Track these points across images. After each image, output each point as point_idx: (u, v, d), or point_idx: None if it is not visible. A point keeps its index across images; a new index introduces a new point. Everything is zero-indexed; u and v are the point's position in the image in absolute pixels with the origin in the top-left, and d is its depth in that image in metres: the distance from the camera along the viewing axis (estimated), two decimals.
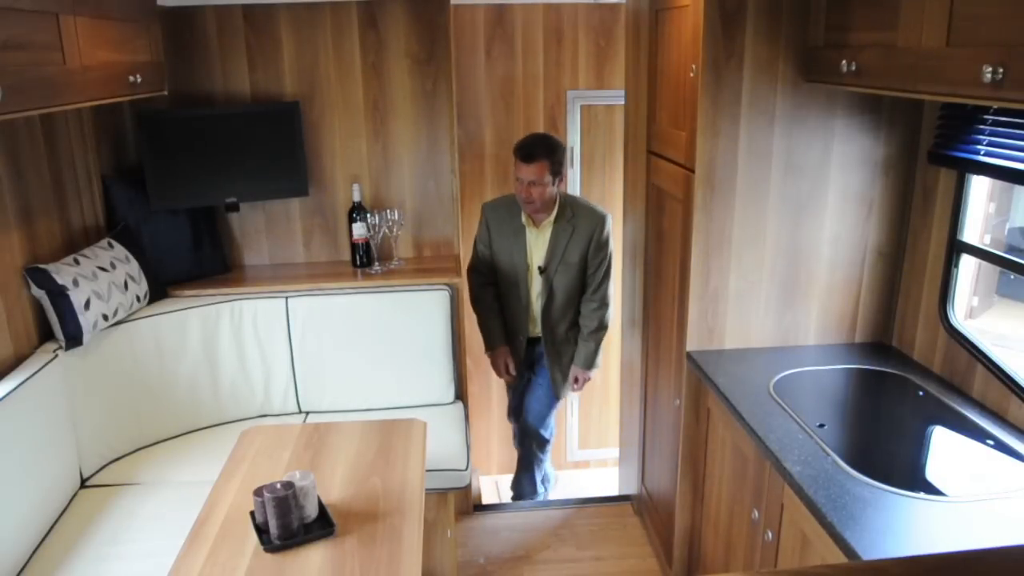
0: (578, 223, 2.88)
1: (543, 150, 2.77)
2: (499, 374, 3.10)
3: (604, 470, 4.06)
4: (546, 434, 3.27)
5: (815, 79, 2.08)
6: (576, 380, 3.07)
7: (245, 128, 2.92)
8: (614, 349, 3.69)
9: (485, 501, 3.52)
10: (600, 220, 2.89)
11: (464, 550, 2.93)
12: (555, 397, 3.14)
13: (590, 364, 3.04)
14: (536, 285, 2.96)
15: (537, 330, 3.03)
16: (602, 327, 3.00)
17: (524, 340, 3.05)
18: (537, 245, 2.93)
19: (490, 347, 3.06)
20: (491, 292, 3.02)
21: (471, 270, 3.04)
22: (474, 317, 3.09)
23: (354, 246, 3.07)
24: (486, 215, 2.99)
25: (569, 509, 3.23)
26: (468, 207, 3.62)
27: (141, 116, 2.79)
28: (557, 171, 2.80)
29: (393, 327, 2.88)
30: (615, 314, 3.06)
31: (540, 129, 3.68)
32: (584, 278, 2.95)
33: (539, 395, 3.18)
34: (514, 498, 3.45)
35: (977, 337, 2.01)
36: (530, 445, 3.31)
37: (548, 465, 3.44)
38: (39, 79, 1.81)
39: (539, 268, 2.93)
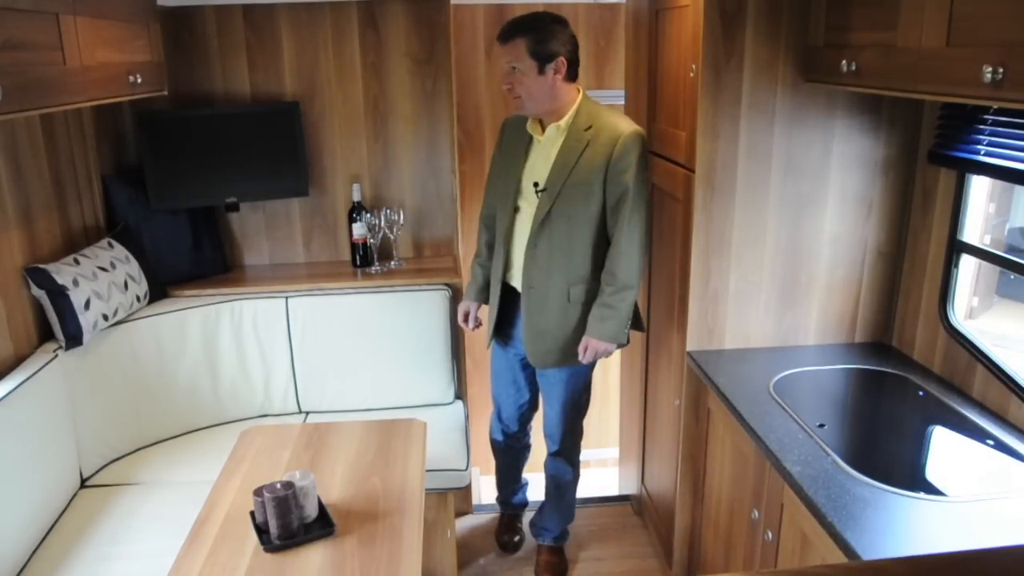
0: (597, 135, 2.21)
1: (521, 26, 2.16)
2: (460, 323, 2.66)
3: (604, 470, 4.06)
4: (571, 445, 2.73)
5: (815, 79, 2.08)
6: (586, 348, 2.34)
7: (245, 128, 2.92)
8: None
9: (485, 501, 3.52)
10: (627, 135, 2.18)
11: (464, 550, 2.93)
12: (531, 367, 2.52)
13: (608, 333, 2.29)
14: (527, 209, 2.31)
15: (517, 276, 2.39)
16: (626, 285, 2.25)
17: (499, 284, 2.45)
18: (541, 159, 2.31)
19: (465, 297, 2.64)
20: (483, 252, 2.59)
21: (480, 219, 2.59)
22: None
23: (354, 246, 3.07)
24: (505, 127, 2.47)
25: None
26: (468, 207, 3.62)
27: (141, 116, 2.79)
28: (543, 55, 2.15)
29: (393, 327, 2.88)
30: None
31: None
32: (603, 217, 2.26)
33: (560, 385, 2.52)
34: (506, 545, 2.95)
35: (977, 337, 2.01)
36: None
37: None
38: (39, 79, 1.81)
39: (535, 184, 2.28)
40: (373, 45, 3.00)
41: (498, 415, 2.80)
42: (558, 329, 2.38)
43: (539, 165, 2.30)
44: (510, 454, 2.90)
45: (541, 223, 2.27)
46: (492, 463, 3.04)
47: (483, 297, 2.60)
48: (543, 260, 2.30)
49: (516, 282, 2.42)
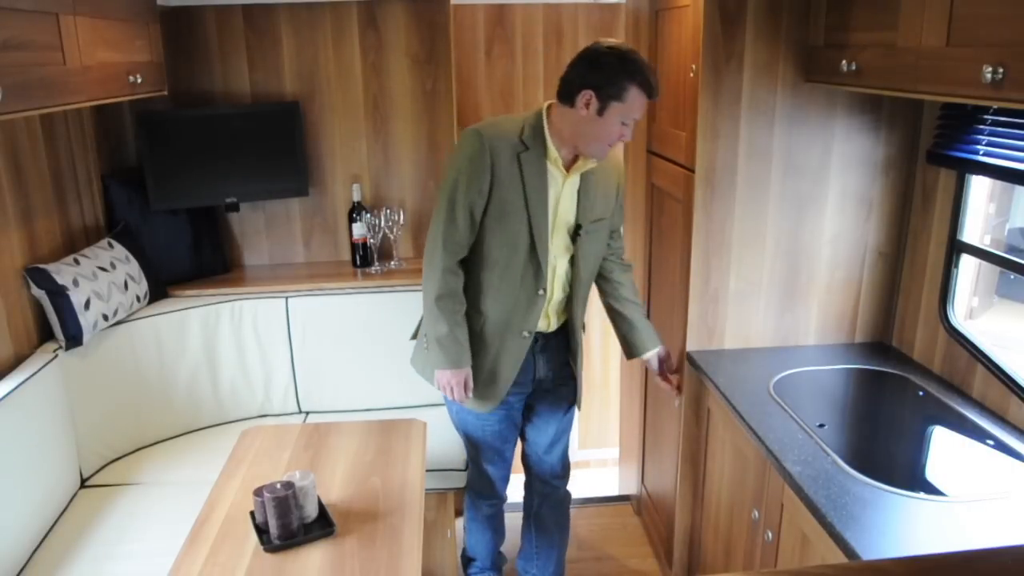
0: (604, 164, 2.12)
1: None
2: (460, 398, 2.19)
3: (604, 470, 4.06)
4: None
5: (815, 79, 2.08)
6: (667, 354, 2.38)
7: (245, 128, 2.92)
8: (614, 348, 3.69)
9: None
10: (620, 160, 2.31)
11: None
12: (576, 408, 2.39)
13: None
14: (564, 254, 2.14)
15: (553, 322, 2.21)
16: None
17: (530, 337, 2.16)
18: (566, 197, 2.09)
19: (458, 364, 2.13)
20: (462, 299, 2.11)
21: (445, 271, 2.04)
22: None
23: (354, 246, 3.07)
24: (488, 150, 1.96)
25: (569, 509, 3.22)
26: None
27: (141, 116, 2.79)
28: None
29: (393, 327, 2.87)
30: None
31: None
32: (604, 241, 2.24)
33: (558, 421, 2.38)
34: None
35: (977, 337, 2.01)
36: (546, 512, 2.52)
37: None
38: (39, 79, 1.81)
39: (578, 226, 2.11)
40: (373, 45, 3.00)
41: (491, 491, 2.42)
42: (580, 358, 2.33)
43: (564, 203, 2.09)
44: (500, 526, 2.59)
45: (574, 262, 2.16)
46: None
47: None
48: (579, 297, 2.21)
49: (550, 326, 2.23)
